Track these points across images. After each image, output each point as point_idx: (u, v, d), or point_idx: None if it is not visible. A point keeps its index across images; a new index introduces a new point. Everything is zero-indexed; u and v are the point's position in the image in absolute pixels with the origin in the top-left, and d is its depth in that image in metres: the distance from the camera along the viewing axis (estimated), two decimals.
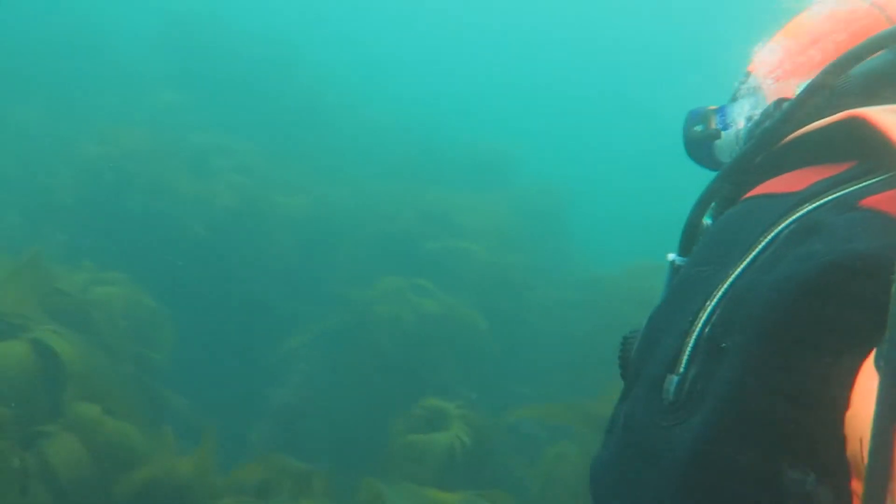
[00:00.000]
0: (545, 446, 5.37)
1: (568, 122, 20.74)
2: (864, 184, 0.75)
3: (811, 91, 0.89)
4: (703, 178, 0.99)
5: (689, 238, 0.98)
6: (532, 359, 7.03)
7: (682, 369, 0.72)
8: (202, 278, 6.91)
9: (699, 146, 1.15)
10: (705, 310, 0.73)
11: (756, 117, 1.05)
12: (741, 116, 1.08)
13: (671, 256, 0.99)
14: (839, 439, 0.61)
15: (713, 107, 1.13)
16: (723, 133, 1.11)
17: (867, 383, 0.59)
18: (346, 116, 12.37)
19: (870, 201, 0.72)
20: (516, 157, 12.75)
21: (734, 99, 1.12)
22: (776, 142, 0.89)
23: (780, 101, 0.98)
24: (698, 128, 1.12)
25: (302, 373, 6.41)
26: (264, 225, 7.68)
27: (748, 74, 1.09)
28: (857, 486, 0.59)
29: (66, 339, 4.47)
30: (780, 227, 0.74)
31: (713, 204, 0.97)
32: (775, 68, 1.03)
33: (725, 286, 0.73)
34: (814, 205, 0.75)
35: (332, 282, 7.34)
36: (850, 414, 0.61)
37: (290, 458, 4.76)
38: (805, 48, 1.01)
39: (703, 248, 0.88)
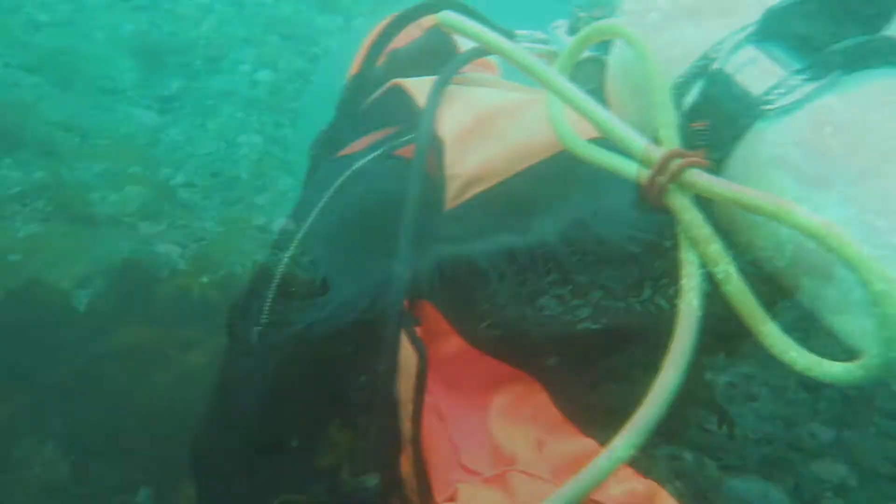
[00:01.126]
0: None
1: None
2: (399, 140, 0.92)
3: (364, 67, 1.09)
4: None
5: None
6: None
7: (263, 319, 0.82)
8: None
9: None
10: (282, 262, 0.84)
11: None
12: None
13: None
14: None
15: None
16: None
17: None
18: None
19: (400, 153, 0.90)
20: None
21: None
22: (350, 112, 1.08)
23: (353, 78, 1.12)
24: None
25: None
26: None
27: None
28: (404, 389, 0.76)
29: None
30: (339, 180, 0.90)
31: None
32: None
33: (297, 238, 0.86)
34: (364, 160, 0.92)
35: None
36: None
37: None
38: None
39: (295, 209, 0.96)
